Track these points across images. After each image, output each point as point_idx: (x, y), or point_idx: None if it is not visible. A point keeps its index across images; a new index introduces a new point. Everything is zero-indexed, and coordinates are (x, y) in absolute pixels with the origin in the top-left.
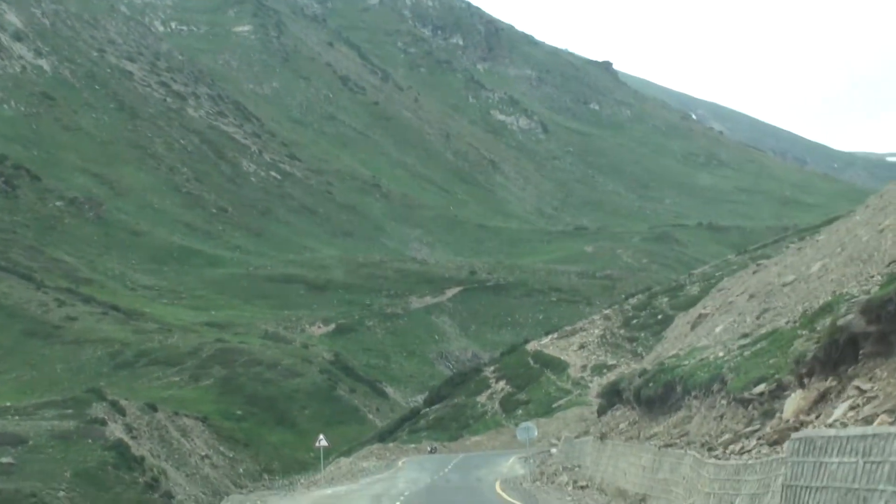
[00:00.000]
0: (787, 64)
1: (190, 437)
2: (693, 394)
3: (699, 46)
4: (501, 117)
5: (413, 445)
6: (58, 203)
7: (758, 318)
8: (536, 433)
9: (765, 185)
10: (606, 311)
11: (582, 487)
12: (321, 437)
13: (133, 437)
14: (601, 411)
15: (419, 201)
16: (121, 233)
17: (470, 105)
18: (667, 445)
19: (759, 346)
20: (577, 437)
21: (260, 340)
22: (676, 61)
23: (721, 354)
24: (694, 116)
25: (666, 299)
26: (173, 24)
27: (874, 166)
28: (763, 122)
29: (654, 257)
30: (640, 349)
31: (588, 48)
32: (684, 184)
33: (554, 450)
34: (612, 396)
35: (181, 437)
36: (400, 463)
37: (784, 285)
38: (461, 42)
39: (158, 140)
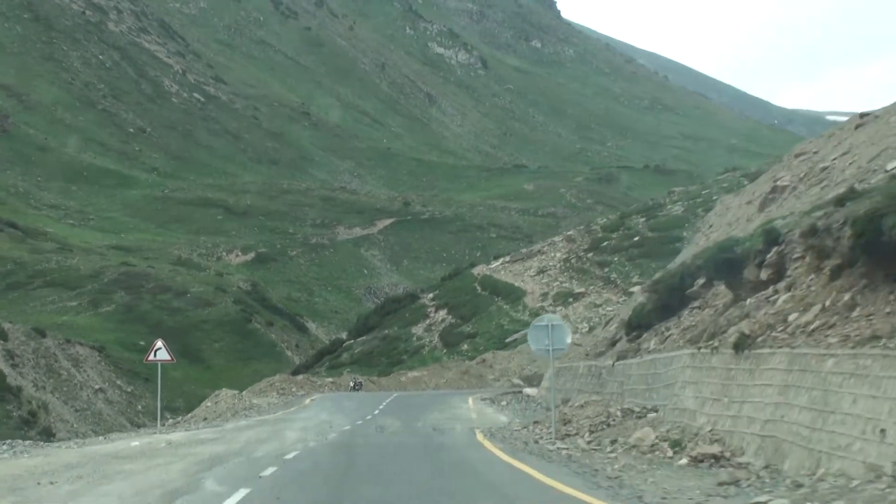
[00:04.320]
0: (730, 19)
1: (83, 367)
2: None
3: None
4: (440, 50)
5: (330, 379)
6: None
7: None
8: (570, 339)
9: (710, 133)
10: (570, 233)
11: (716, 458)
12: (158, 343)
13: (13, 365)
14: (638, 322)
15: (351, 132)
16: (27, 148)
17: (407, 36)
18: None
19: None
20: (617, 360)
21: (170, 266)
22: (619, 9)
23: None
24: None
25: (642, 219)
26: None
27: (814, 123)
28: (704, 74)
29: (598, 197)
30: (613, 275)
31: None
32: (627, 127)
33: (529, 389)
34: (717, 269)
35: (72, 367)
36: (307, 401)
37: None
38: None
39: (74, 54)
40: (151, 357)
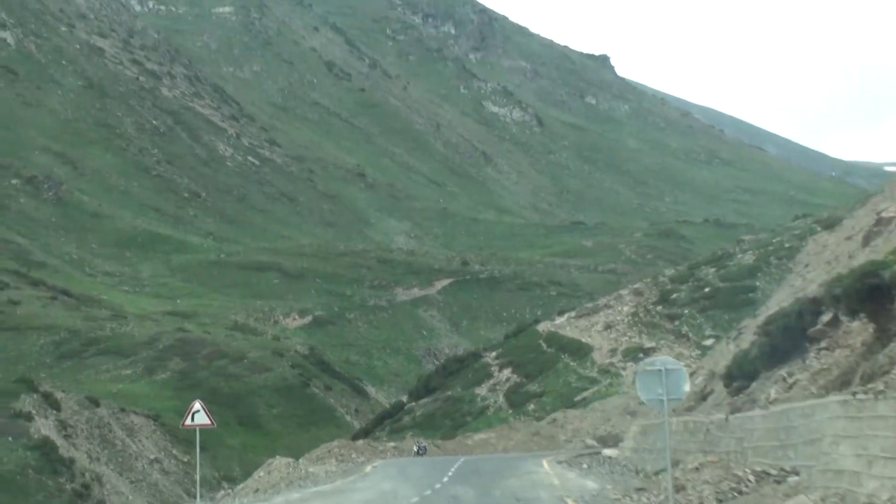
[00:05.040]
0: (784, 72)
1: (137, 437)
2: None
3: (695, 50)
4: (494, 109)
5: (392, 443)
6: (13, 181)
7: None
8: (688, 387)
9: (769, 185)
10: (637, 286)
11: None
12: (196, 404)
13: (66, 436)
14: (740, 371)
15: (407, 192)
16: (81, 215)
17: (461, 95)
18: None
19: None
20: (731, 413)
21: (226, 331)
22: (673, 65)
23: None
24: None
25: (712, 270)
26: (151, 4)
27: (872, 175)
28: (760, 127)
29: (658, 253)
30: (684, 328)
31: (583, 45)
32: (685, 181)
33: (609, 450)
34: (858, 300)
35: (127, 437)
36: (368, 468)
37: None
38: (453, 31)
39: (128, 120)
40: (188, 421)
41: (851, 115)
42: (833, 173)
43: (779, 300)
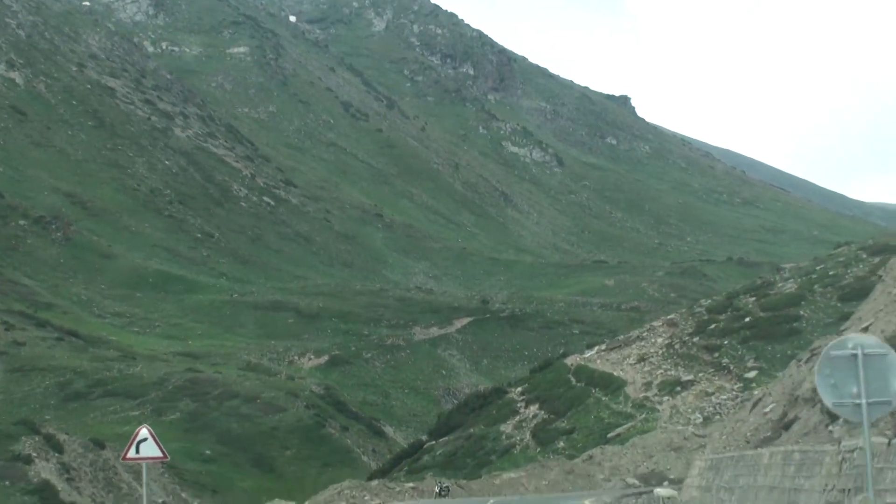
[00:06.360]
0: (802, 115)
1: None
2: None
3: (714, 93)
4: (514, 149)
5: (410, 484)
6: (21, 222)
7: None
8: None
9: (791, 225)
10: (671, 316)
11: None
12: (143, 430)
13: (68, 479)
14: None
15: (425, 233)
16: (90, 255)
17: (480, 136)
18: None
19: None
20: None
21: (238, 371)
22: (691, 108)
23: None
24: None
25: (752, 299)
26: (164, 45)
27: (891, 216)
28: (778, 169)
29: (682, 291)
30: (724, 360)
31: (603, 86)
32: (706, 221)
33: (663, 490)
34: None
35: (133, 480)
36: None
37: None
38: (471, 72)
39: (140, 160)
40: (132, 454)
41: (869, 157)
42: (852, 214)
43: (873, 310)
